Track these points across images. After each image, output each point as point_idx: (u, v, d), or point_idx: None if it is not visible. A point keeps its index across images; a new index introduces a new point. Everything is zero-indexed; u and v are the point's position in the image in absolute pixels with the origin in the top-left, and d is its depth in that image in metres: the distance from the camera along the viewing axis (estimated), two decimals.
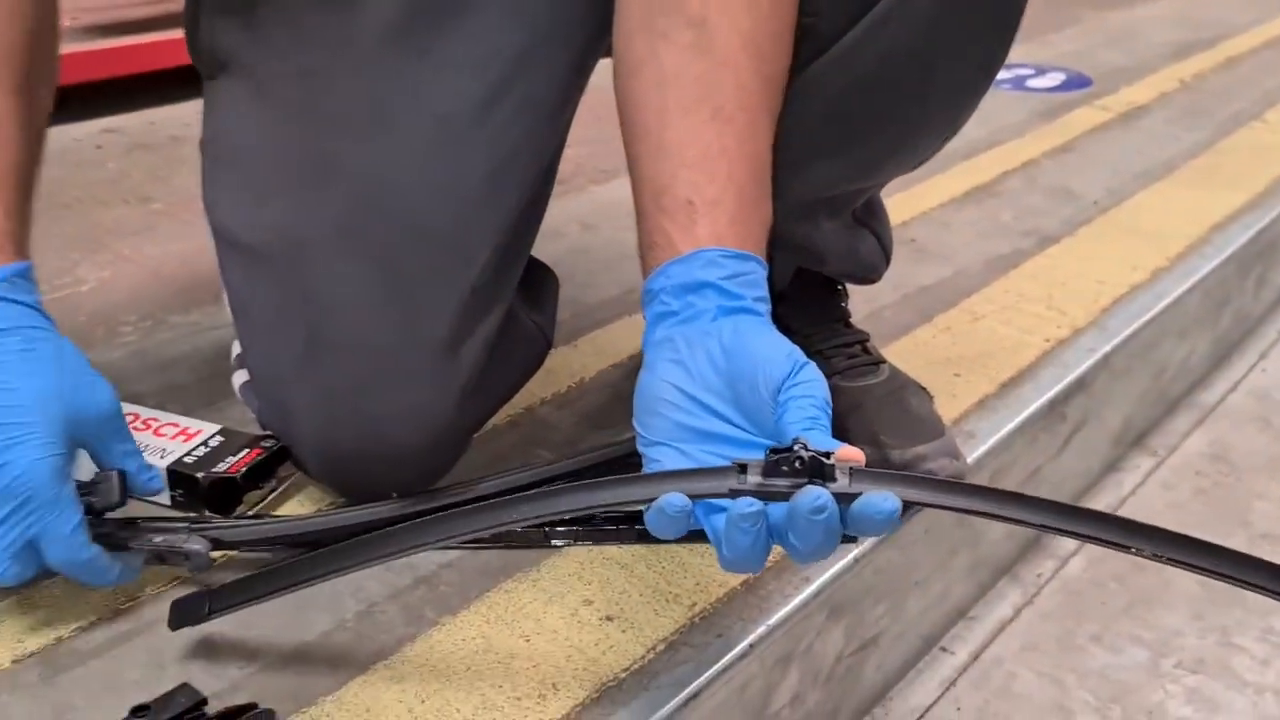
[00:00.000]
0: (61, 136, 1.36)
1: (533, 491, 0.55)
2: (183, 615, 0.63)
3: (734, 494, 0.50)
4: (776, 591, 0.71)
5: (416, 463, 0.70)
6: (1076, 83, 1.80)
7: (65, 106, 1.42)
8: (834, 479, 0.50)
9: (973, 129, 0.79)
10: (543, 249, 0.81)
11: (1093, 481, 1.12)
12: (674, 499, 0.50)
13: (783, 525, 0.50)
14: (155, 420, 0.78)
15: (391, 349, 0.69)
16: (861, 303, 0.98)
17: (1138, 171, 1.44)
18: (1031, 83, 1.78)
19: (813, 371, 0.55)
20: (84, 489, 0.61)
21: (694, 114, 0.60)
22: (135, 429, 0.76)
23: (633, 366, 0.97)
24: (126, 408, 0.73)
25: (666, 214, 0.60)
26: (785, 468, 0.50)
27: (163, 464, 0.73)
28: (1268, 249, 1.36)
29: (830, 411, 0.54)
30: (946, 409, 0.89)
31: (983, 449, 0.88)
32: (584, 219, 1.25)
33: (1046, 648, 0.94)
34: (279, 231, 0.70)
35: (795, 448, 0.50)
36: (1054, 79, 1.81)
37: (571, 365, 0.96)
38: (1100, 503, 1.11)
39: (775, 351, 0.55)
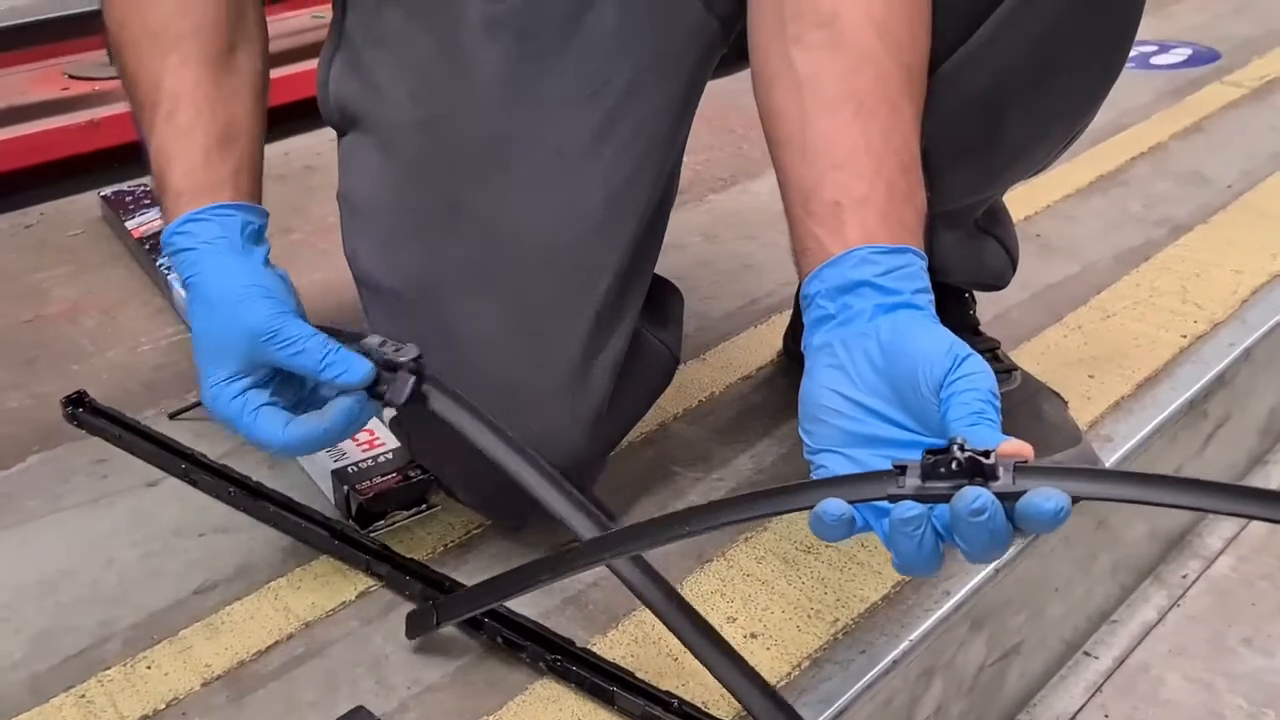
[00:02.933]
0: None
1: (700, 506, 0.57)
2: (415, 626, 0.69)
3: (892, 499, 0.50)
4: (917, 605, 0.72)
5: None
6: (1204, 57, 1.73)
7: None
8: (995, 477, 0.48)
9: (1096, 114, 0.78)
10: (665, 262, 0.83)
11: (1239, 476, 1.09)
12: (830, 505, 0.50)
13: (949, 526, 0.50)
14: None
15: (522, 380, 0.71)
16: (988, 304, 0.97)
17: (1274, 151, 1.39)
18: (1156, 60, 1.72)
19: (976, 363, 0.53)
20: None
21: (835, 113, 0.60)
22: None
23: (762, 379, 0.98)
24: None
25: (815, 218, 0.59)
26: (943, 469, 0.49)
27: (332, 465, 0.80)
28: None
29: (999, 403, 0.52)
30: (1081, 412, 0.88)
31: (1121, 452, 0.87)
32: (705, 229, 1.26)
33: (1195, 651, 0.92)
34: (414, 277, 0.73)
35: (953, 448, 0.49)
36: (1179, 55, 1.74)
37: (701, 380, 0.98)
38: None
39: (935, 347, 0.53)
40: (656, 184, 0.77)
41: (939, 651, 0.73)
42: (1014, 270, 0.87)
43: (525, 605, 0.70)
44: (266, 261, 0.69)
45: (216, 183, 0.69)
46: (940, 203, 0.75)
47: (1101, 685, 0.89)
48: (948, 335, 0.55)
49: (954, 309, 0.86)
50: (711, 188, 1.38)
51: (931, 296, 0.58)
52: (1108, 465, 0.83)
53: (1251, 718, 0.86)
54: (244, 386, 0.66)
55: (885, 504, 0.51)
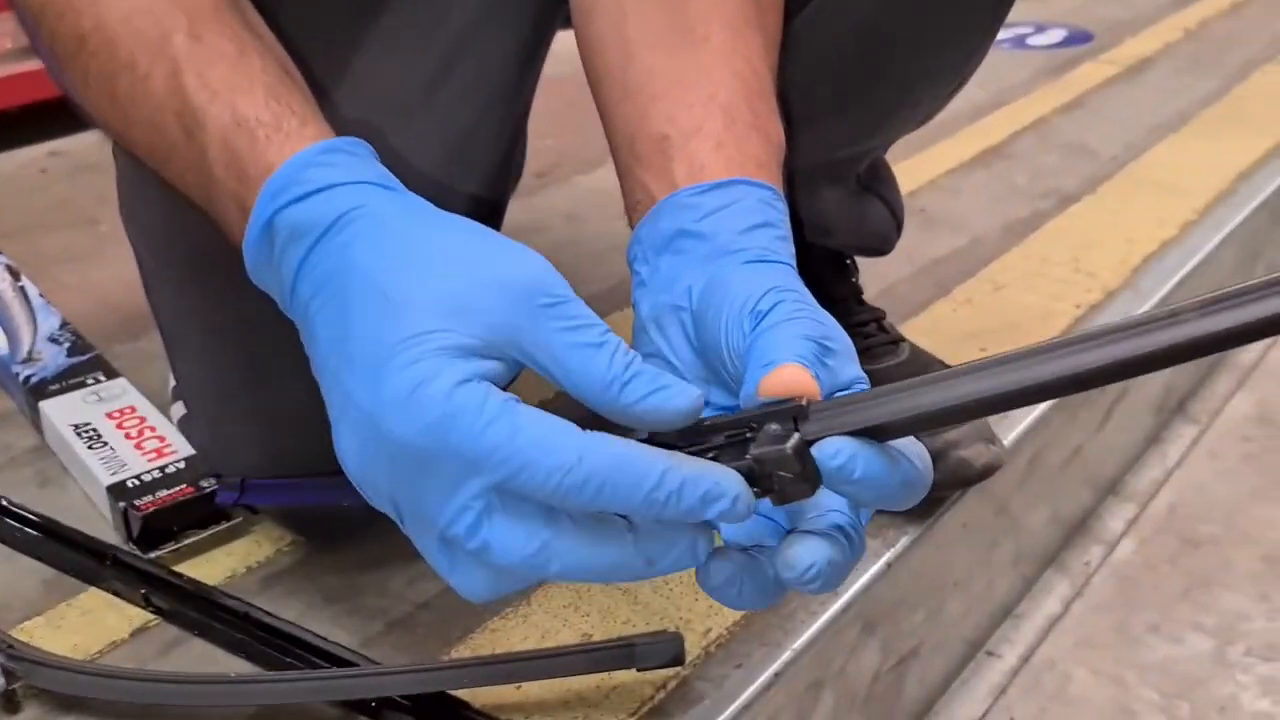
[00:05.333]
0: (5, 163, 1.28)
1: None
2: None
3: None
4: (801, 609, 0.63)
5: None
6: (1078, 38, 1.72)
7: (8, 131, 1.34)
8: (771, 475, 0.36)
9: (976, 90, 0.72)
10: (527, 244, 0.73)
11: (1137, 454, 1.03)
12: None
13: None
14: (151, 429, 0.72)
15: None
16: (871, 279, 0.89)
17: (1152, 124, 1.36)
18: (1032, 40, 1.70)
19: (785, 310, 0.40)
20: None
21: (663, 42, 0.50)
22: (128, 433, 0.72)
23: None
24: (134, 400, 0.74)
25: (642, 161, 0.48)
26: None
27: (109, 479, 0.67)
28: None
29: (824, 344, 0.40)
30: None
31: (1019, 430, 0.79)
32: (569, 211, 1.17)
33: (1102, 642, 0.85)
34: (215, 241, 0.61)
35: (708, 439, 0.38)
36: (1055, 35, 1.73)
37: None
38: (1146, 477, 1.02)
39: (735, 308, 0.41)
40: (498, 143, 0.67)
41: (827, 660, 0.63)
42: (899, 234, 0.79)
43: (345, 632, 0.59)
44: None
45: (316, 117, 0.46)
46: (822, 151, 0.67)
47: (1006, 687, 0.82)
48: (761, 284, 0.41)
49: (836, 275, 0.78)
50: (576, 169, 1.29)
51: (780, 233, 0.46)
52: (1006, 443, 0.75)
53: (1164, 711, 0.79)
54: (483, 372, 0.37)
55: None
